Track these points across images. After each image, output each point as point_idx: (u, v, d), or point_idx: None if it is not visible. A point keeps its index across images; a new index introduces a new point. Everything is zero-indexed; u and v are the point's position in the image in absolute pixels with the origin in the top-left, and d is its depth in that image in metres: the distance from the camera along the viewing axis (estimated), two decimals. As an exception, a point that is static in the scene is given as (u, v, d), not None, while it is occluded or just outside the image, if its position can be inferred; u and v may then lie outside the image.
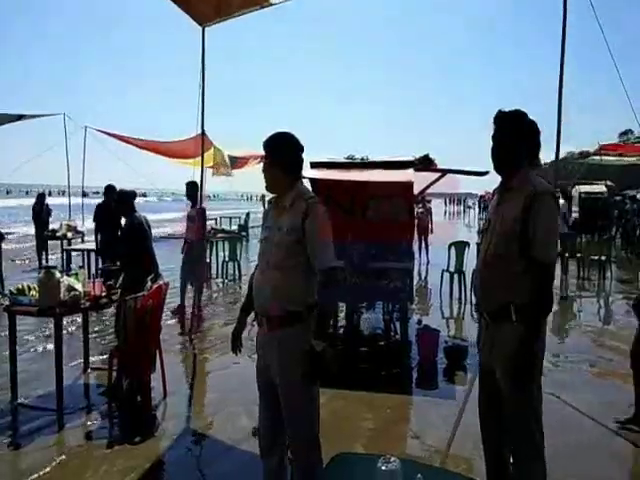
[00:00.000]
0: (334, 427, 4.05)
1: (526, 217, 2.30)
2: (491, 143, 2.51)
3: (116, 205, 5.08)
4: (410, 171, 5.93)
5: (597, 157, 10.06)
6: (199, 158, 11.66)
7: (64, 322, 4.87)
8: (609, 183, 22.13)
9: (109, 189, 7.79)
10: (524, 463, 2.48)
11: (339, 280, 2.40)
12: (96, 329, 6.44)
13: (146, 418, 4.11)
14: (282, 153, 2.47)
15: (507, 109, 2.47)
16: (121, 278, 4.68)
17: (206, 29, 5.76)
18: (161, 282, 4.39)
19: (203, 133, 6.48)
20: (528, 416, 2.43)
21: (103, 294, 4.51)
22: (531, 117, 2.48)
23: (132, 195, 5.09)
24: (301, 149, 2.52)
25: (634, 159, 8.84)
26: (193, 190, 7.45)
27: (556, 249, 2.38)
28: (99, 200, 8.71)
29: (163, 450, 3.66)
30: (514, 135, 2.44)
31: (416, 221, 13.38)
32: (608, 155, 9.15)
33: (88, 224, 10.96)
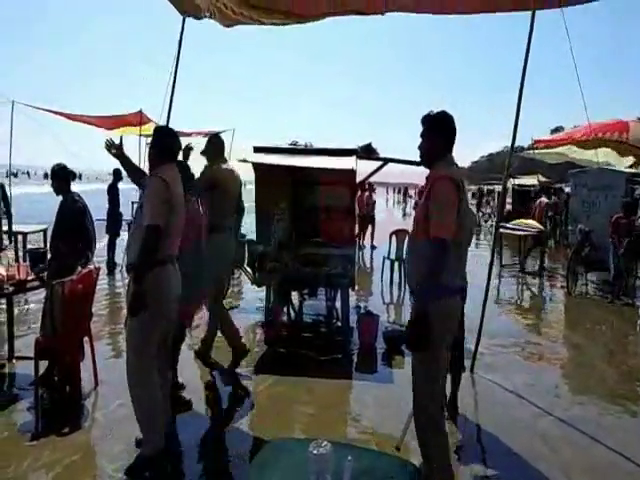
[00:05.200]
0: (274, 413, 4.04)
1: (428, 202, 2.56)
2: (419, 140, 2.77)
3: (54, 179, 4.65)
4: (352, 159, 5.96)
5: (530, 151, 10.52)
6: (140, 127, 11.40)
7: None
8: (541, 178, 23.29)
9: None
10: (421, 433, 2.65)
11: (150, 236, 2.94)
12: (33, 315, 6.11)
13: (75, 408, 3.93)
14: (156, 140, 3.27)
15: (435, 111, 2.73)
16: (48, 261, 4.42)
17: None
18: (92, 266, 4.18)
19: (168, 120, 6.01)
20: (423, 387, 2.62)
21: (29, 278, 4.25)
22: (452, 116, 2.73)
23: (72, 175, 4.78)
24: (168, 136, 3.31)
25: (562, 150, 9.33)
26: None
27: (449, 227, 2.49)
28: (31, 181, 8.24)
29: (92, 441, 3.51)
30: (436, 135, 2.71)
31: (365, 208, 13.76)
32: (540, 149, 9.60)
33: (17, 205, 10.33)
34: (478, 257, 9.52)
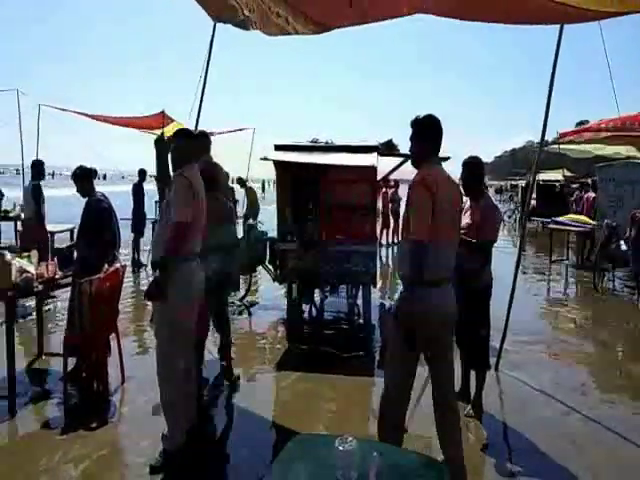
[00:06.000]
0: (297, 409, 4.06)
1: (407, 203, 2.77)
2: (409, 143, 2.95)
3: (76, 182, 4.73)
4: (373, 155, 5.93)
5: (555, 146, 10.29)
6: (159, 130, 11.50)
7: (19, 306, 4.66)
8: (567, 173, 22.85)
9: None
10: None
11: (177, 232, 3.08)
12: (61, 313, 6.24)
13: (103, 404, 4.00)
14: (178, 142, 3.40)
15: (422, 115, 2.87)
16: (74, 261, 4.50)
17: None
18: (118, 265, 4.25)
19: (197, 124, 6.05)
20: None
21: (57, 276, 4.35)
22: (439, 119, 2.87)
23: (94, 172, 4.86)
24: (189, 138, 3.48)
25: (590, 147, 9.14)
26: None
27: (424, 229, 2.65)
28: (54, 181, 8.42)
29: (119, 436, 3.59)
30: (423, 138, 2.86)
31: (391, 206, 13.77)
32: (565, 144, 9.41)
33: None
34: (512, 254, 9.40)
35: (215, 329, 4.70)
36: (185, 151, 3.36)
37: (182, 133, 3.54)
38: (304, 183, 6.23)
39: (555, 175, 22.30)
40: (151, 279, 3.29)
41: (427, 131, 2.86)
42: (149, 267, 9.18)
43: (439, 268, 2.75)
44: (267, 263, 6.97)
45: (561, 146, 9.72)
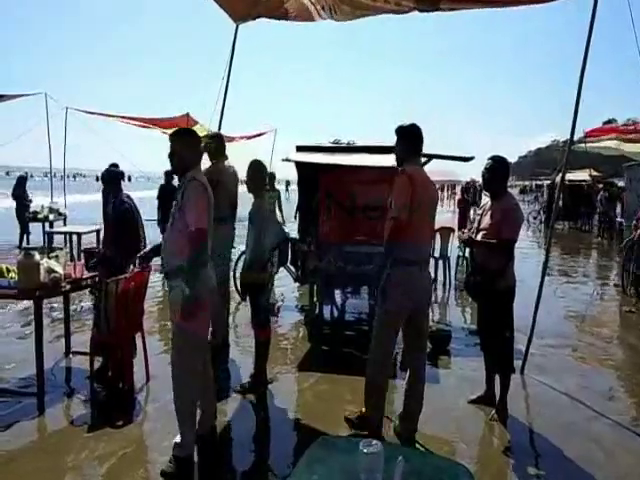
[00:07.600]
0: (319, 410, 4.06)
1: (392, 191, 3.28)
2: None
3: (105, 184, 4.87)
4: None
5: (582, 145, 10.08)
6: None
7: (47, 305, 4.76)
8: (594, 172, 22.36)
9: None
10: (369, 379, 3.54)
11: (200, 239, 2.94)
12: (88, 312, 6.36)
13: (128, 402, 4.07)
14: (188, 144, 3.18)
15: (407, 123, 3.39)
16: (98, 258, 4.59)
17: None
18: (143, 265, 4.31)
19: (220, 124, 6.10)
20: (375, 344, 3.50)
21: (84, 276, 4.43)
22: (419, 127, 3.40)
23: (121, 175, 4.97)
24: (197, 139, 3.28)
25: (614, 143, 8.93)
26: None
27: (400, 209, 3.15)
28: (82, 182, 8.56)
29: (144, 434, 3.63)
30: (404, 142, 3.39)
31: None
32: (592, 142, 9.21)
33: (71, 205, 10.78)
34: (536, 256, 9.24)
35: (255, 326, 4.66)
36: (191, 152, 3.16)
37: (188, 133, 3.34)
38: (325, 183, 6.24)
39: (582, 175, 21.85)
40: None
41: (409, 137, 3.38)
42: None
43: (418, 251, 3.30)
44: (289, 264, 6.98)
45: (588, 145, 9.54)
